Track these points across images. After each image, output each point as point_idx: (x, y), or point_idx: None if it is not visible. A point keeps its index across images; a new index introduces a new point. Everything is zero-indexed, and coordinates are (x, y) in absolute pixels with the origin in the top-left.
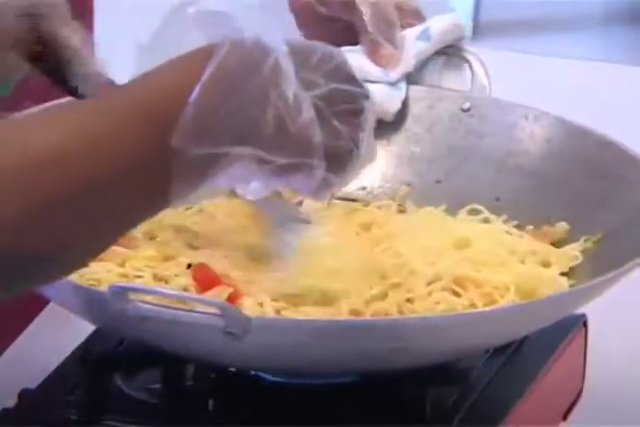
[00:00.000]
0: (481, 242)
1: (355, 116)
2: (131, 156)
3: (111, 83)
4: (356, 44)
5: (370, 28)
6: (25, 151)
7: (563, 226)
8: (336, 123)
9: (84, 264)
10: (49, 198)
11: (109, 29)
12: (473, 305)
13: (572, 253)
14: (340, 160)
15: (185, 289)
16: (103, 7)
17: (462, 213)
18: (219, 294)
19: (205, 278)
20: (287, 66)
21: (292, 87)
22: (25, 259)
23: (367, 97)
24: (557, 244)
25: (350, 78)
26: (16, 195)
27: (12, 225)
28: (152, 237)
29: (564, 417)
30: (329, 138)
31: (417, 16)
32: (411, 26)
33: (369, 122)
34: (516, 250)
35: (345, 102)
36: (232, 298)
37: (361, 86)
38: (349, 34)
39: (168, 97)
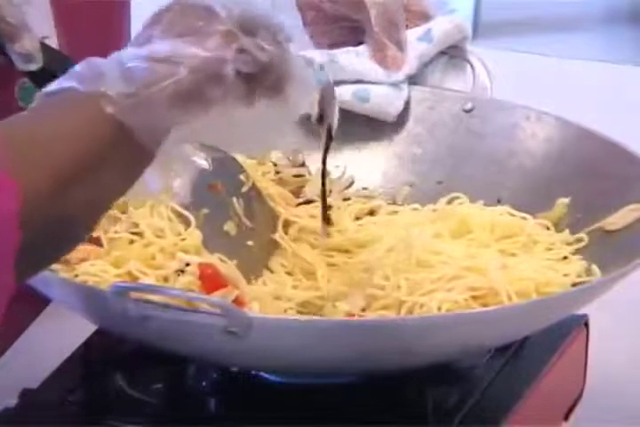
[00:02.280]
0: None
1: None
2: (93, 137)
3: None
4: (360, 43)
5: (376, 29)
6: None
7: (562, 202)
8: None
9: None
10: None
11: None
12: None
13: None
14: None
15: (186, 288)
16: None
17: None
18: (225, 296)
19: (211, 278)
20: None
21: None
22: (62, 221)
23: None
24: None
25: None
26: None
27: (51, 197)
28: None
29: (566, 417)
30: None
31: (424, 17)
32: (417, 27)
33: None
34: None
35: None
36: (238, 301)
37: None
38: (355, 33)
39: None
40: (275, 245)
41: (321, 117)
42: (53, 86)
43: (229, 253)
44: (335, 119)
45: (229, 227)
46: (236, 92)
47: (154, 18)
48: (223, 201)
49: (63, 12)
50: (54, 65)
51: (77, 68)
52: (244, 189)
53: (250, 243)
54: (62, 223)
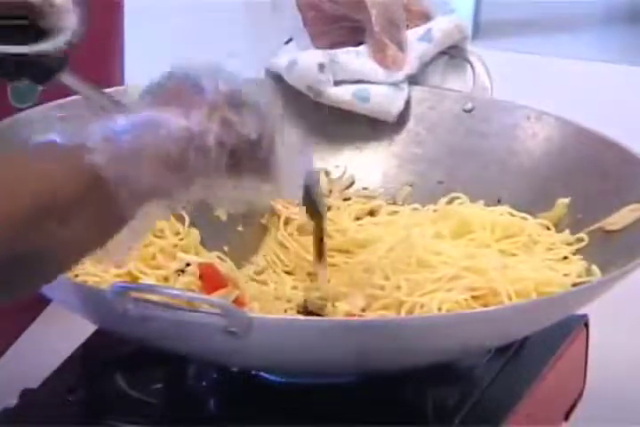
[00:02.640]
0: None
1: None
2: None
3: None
4: (360, 43)
5: (376, 29)
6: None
7: (562, 202)
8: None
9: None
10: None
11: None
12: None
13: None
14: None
15: (186, 288)
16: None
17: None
18: (225, 296)
19: (212, 278)
20: None
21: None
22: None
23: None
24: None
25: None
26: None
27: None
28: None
29: (566, 417)
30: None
31: (424, 17)
32: (417, 27)
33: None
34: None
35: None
36: (238, 301)
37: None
38: (355, 33)
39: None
40: (265, 231)
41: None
42: (35, 140)
43: (220, 239)
44: (323, 205)
45: (220, 213)
46: (219, 163)
47: (145, 90)
48: None
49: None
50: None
51: (59, 128)
52: None
53: (240, 228)
54: (19, 263)
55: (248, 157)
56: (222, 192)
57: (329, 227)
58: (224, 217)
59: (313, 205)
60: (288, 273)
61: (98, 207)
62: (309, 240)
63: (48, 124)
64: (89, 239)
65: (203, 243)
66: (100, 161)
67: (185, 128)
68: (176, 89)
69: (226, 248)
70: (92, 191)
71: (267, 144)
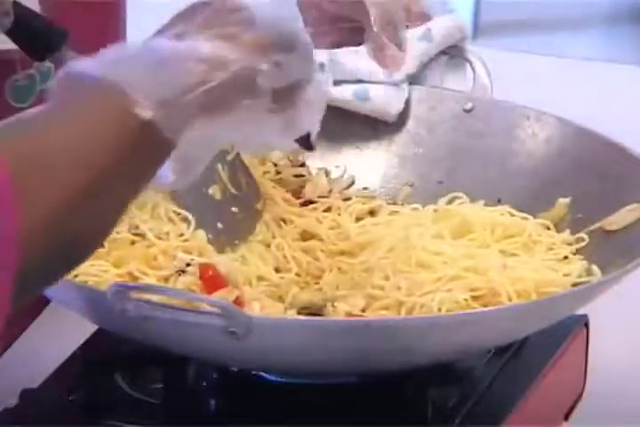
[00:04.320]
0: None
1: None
2: (116, 146)
3: None
4: (360, 43)
5: (376, 29)
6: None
7: (562, 202)
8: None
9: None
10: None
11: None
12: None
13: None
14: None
15: (187, 288)
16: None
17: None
18: (225, 296)
19: (211, 279)
20: None
21: None
22: (68, 242)
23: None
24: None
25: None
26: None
27: (56, 215)
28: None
29: (566, 418)
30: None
31: (424, 18)
32: (417, 27)
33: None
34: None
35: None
36: (238, 301)
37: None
38: (355, 33)
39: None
40: (259, 216)
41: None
42: (77, 67)
43: (213, 216)
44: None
45: (214, 190)
46: (262, 102)
47: (188, 11)
48: (208, 165)
49: (51, 10)
50: (28, 23)
51: (106, 53)
52: (229, 157)
53: (234, 209)
54: (70, 243)
55: (288, 95)
56: (269, 132)
57: (330, 230)
58: (218, 196)
59: None
60: (296, 275)
61: (145, 156)
62: (309, 244)
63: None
64: (136, 188)
65: (197, 222)
66: (150, 105)
67: (239, 65)
68: (225, 15)
69: (220, 226)
70: (140, 143)
71: (306, 85)
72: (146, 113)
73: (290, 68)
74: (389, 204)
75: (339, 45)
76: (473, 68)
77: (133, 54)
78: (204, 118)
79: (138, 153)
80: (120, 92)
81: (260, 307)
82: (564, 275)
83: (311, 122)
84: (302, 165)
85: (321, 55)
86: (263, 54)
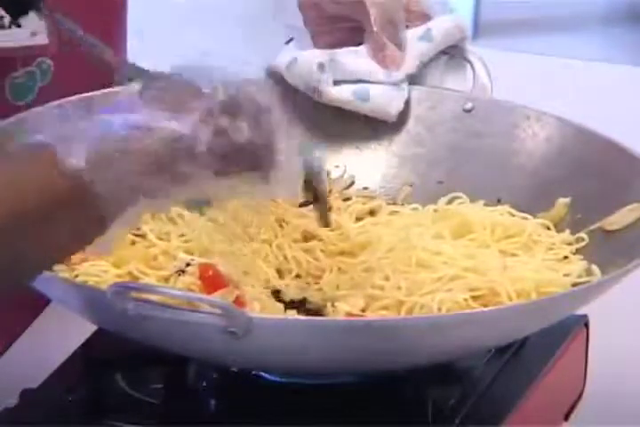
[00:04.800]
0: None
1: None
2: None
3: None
4: (360, 43)
5: (376, 29)
6: None
7: (562, 202)
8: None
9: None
10: None
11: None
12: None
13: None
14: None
15: (187, 288)
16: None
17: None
18: (225, 296)
19: (211, 279)
20: None
21: None
22: None
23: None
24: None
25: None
26: None
27: None
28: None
29: (566, 417)
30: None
31: (424, 18)
32: (417, 27)
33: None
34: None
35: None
36: (238, 301)
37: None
38: (355, 34)
39: None
40: None
41: (314, 200)
42: (20, 142)
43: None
44: (326, 203)
45: None
46: (208, 168)
47: (143, 86)
48: None
49: (53, 9)
50: None
51: (51, 127)
52: None
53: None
54: None
55: (241, 161)
56: (215, 192)
57: (330, 232)
58: None
59: (314, 191)
60: (297, 276)
61: (78, 210)
62: (310, 244)
63: (48, 124)
64: (70, 241)
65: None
66: (79, 164)
67: (176, 131)
68: (174, 91)
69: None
70: (71, 195)
71: (262, 149)
72: (72, 169)
73: (233, 134)
74: (389, 204)
75: (339, 45)
76: (473, 68)
77: (76, 128)
78: (144, 185)
79: (65, 203)
80: (51, 150)
81: (260, 307)
82: (564, 275)
83: (281, 189)
84: None
85: (321, 55)
86: (204, 122)
